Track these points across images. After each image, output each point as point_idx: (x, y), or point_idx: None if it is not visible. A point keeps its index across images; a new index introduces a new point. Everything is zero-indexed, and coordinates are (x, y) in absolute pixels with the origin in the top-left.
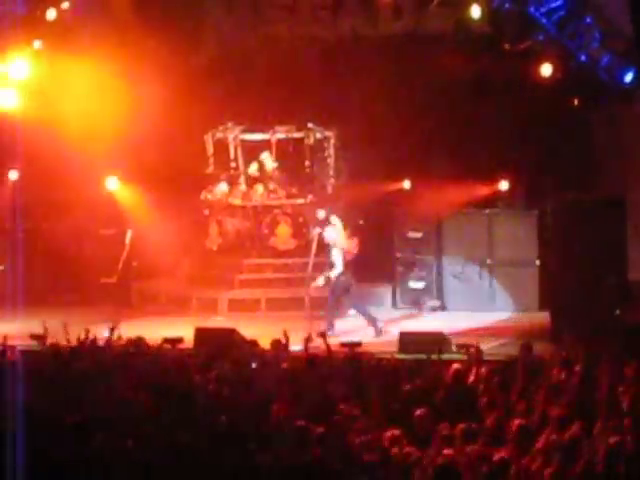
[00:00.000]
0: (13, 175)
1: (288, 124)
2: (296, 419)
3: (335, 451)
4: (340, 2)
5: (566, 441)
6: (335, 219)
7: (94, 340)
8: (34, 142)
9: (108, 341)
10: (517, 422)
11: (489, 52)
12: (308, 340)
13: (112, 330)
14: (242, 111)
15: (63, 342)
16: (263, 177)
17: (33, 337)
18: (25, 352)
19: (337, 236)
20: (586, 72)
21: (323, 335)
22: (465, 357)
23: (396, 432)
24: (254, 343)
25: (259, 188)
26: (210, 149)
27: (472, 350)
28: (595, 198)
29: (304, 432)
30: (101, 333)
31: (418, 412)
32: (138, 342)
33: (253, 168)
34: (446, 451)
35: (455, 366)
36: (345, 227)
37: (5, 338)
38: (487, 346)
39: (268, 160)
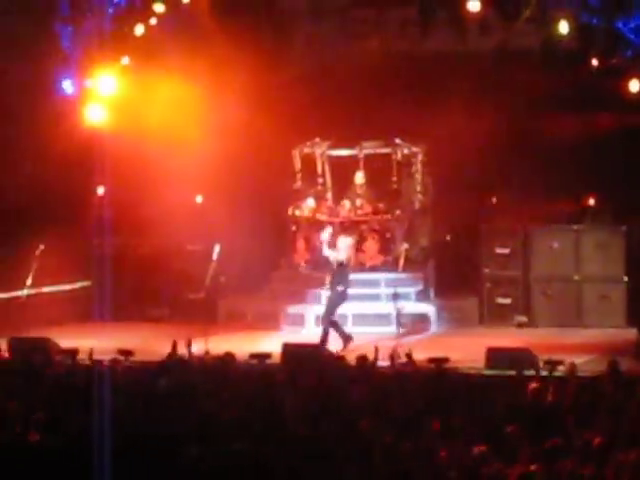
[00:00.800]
0: (100, 190)
1: (376, 140)
2: (384, 435)
3: (423, 467)
4: (428, 18)
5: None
6: (342, 240)
7: (182, 356)
8: (121, 158)
9: (195, 356)
10: (597, 440)
11: (577, 68)
12: (394, 356)
13: (191, 344)
14: (330, 126)
15: (150, 357)
16: (351, 193)
17: (121, 352)
18: (112, 367)
19: (347, 254)
20: None
21: (408, 354)
22: (547, 374)
23: (483, 448)
24: (341, 358)
25: (346, 204)
26: (297, 164)
27: (566, 366)
28: None
29: (392, 448)
30: (188, 349)
31: (509, 429)
32: (226, 358)
33: (359, 176)
34: (533, 467)
35: (533, 385)
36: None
37: (91, 352)
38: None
39: (358, 176)
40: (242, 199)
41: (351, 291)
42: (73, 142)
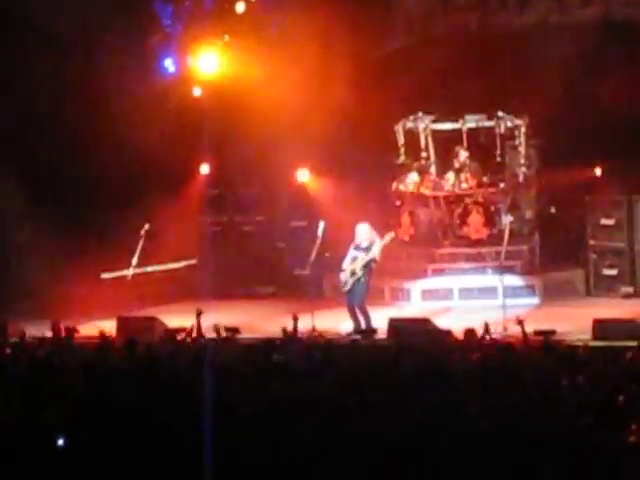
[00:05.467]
0: (204, 169)
1: (478, 113)
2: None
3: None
4: None
5: None
6: (377, 243)
7: (289, 333)
8: (224, 135)
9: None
10: None
11: None
12: (503, 329)
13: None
14: (432, 101)
15: (257, 334)
16: (454, 166)
17: (227, 329)
18: (217, 344)
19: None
20: None
21: (520, 322)
22: None
23: (589, 419)
24: (448, 333)
25: (450, 177)
26: (401, 139)
27: None
28: None
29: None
30: (294, 325)
31: (619, 400)
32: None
33: (463, 150)
34: None
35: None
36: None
37: (199, 329)
38: None
39: (461, 150)
40: (346, 175)
41: (457, 265)
42: (177, 120)
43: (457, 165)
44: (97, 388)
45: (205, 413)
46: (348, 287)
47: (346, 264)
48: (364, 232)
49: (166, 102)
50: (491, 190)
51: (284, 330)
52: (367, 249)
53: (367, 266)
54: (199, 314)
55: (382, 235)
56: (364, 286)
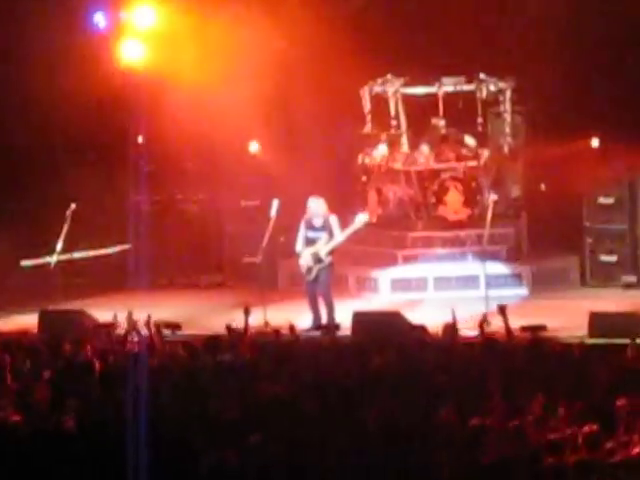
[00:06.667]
0: (139, 140)
1: (457, 75)
2: (470, 417)
3: (517, 452)
4: None
5: None
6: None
7: (237, 329)
8: (162, 101)
9: (248, 329)
10: None
11: None
12: (483, 323)
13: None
14: (404, 61)
15: (201, 331)
16: (429, 137)
17: (167, 325)
18: (154, 343)
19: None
20: None
21: (503, 311)
22: None
23: (594, 427)
24: (422, 329)
25: (424, 149)
26: (367, 105)
27: None
28: None
29: (479, 432)
30: (245, 319)
31: (619, 403)
32: (288, 330)
33: (439, 118)
34: None
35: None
36: None
37: (133, 324)
38: None
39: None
40: (303, 146)
41: (432, 250)
42: (108, 84)
43: (432, 135)
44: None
45: (139, 426)
46: (313, 276)
47: (300, 246)
48: (318, 207)
49: (97, 63)
50: (471, 164)
51: (229, 326)
52: (323, 228)
53: (332, 253)
54: (130, 315)
55: (348, 217)
56: (329, 274)
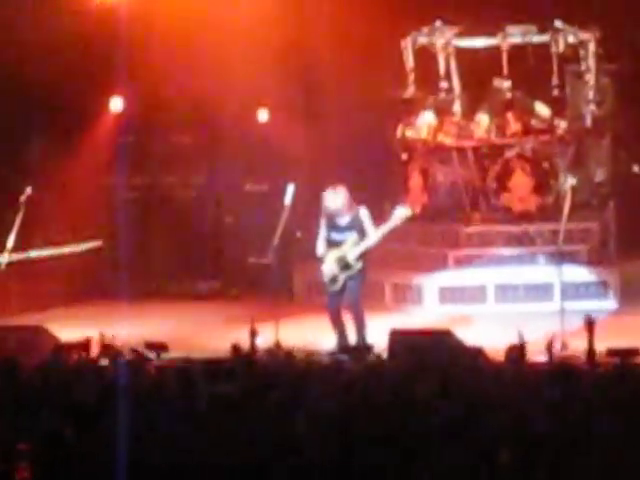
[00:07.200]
0: (116, 104)
1: (525, 23)
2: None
3: None
4: None
5: None
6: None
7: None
8: (147, 53)
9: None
10: None
11: None
12: (553, 345)
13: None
14: (458, 5)
15: (194, 353)
16: (490, 103)
17: (150, 346)
18: (137, 366)
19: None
20: None
21: (590, 328)
22: None
23: None
24: (479, 353)
25: (483, 119)
26: (409, 62)
27: None
28: None
29: None
30: (252, 340)
31: None
32: (306, 354)
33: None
34: None
35: None
36: None
37: (107, 345)
38: None
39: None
40: (326, 115)
41: (492, 250)
42: (75, 27)
43: (494, 101)
44: None
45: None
46: (339, 286)
47: (322, 250)
48: (341, 201)
49: (67, 4)
50: (544, 139)
51: (235, 347)
52: (351, 227)
53: (364, 255)
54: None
55: (385, 209)
56: (360, 283)
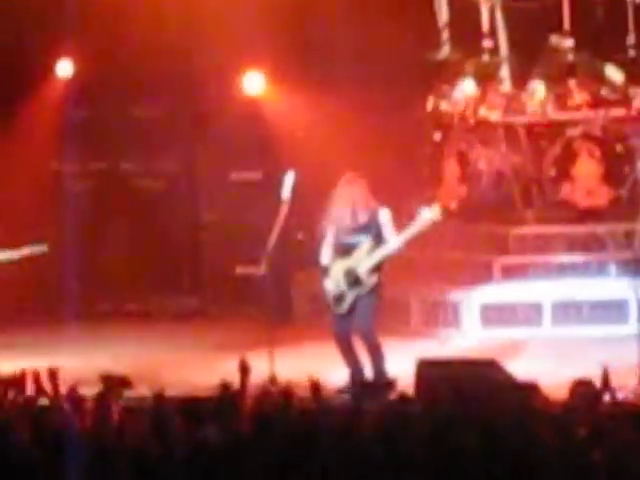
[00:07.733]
0: (64, 68)
1: None
2: None
3: None
4: None
5: None
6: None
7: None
8: (100, 6)
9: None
10: None
11: None
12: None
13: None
14: None
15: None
16: (546, 66)
17: (107, 381)
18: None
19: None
20: None
21: None
22: None
23: None
24: (533, 389)
25: (538, 89)
26: (443, 15)
27: None
28: None
29: None
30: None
31: None
32: (310, 391)
33: (561, 35)
34: None
35: None
36: None
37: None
38: None
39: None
40: (335, 83)
41: (551, 258)
42: None
43: (552, 64)
44: None
45: None
46: (346, 307)
47: (328, 258)
48: (355, 196)
49: None
50: (617, 113)
51: (225, 383)
52: (367, 229)
53: (380, 267)
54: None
55: (412, 207)
56: (372, 303)
